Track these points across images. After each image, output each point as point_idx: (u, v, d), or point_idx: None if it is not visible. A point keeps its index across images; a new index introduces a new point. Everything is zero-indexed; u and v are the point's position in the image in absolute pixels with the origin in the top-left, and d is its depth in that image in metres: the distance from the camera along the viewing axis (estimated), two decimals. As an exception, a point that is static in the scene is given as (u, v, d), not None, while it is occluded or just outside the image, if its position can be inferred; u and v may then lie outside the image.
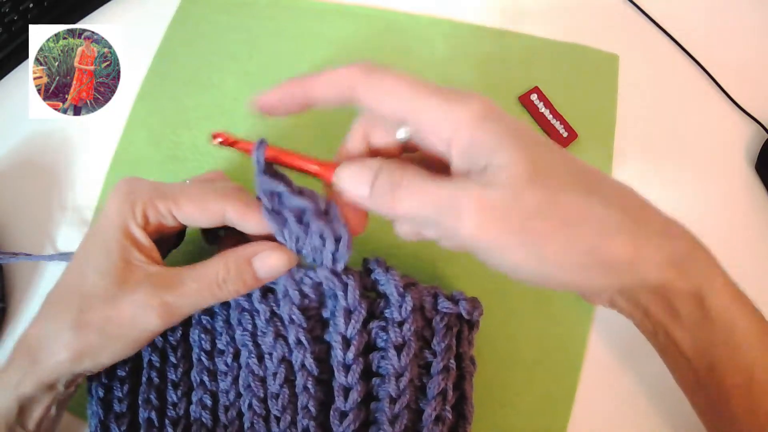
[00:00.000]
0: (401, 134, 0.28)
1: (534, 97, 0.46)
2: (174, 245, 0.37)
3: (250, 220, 0.31)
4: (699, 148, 0.47)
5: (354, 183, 0.27)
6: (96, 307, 0.29)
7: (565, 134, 0.45)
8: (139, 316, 0.29)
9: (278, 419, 0.31)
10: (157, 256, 0.31)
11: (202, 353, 0.34)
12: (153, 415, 0.33)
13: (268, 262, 0.30)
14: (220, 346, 0.34)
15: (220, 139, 0.29)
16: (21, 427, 0.30)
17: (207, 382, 0.33)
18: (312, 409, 0.31)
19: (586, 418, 0.39)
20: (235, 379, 0.33)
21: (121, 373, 0.34)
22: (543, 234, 0.24)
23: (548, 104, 0.46)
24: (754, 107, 0.47)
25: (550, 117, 0.45)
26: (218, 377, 0.34)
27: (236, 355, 0.33)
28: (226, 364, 0.33)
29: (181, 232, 0.37)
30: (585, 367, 0.40)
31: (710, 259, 0.28)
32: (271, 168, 0.29)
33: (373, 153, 0.29)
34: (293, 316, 0.31)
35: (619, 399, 0.39)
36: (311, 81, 0.28)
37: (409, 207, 0.26)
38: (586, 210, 0.25)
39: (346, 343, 0.31)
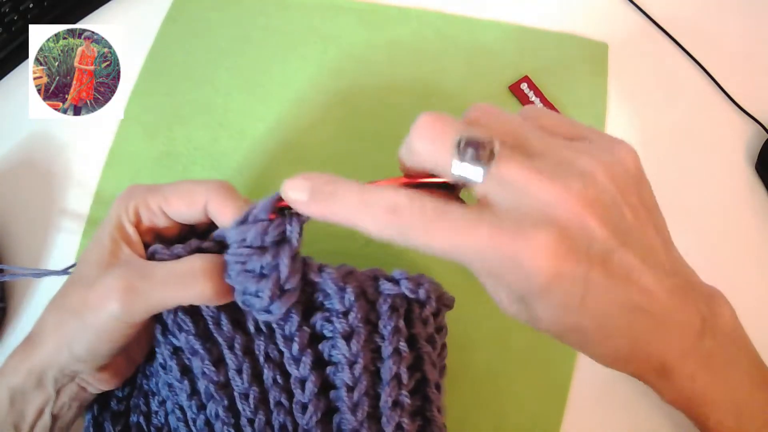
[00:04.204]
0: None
1: (524, 86, 0.47)
2: None
3: (226, 214, 0.30)
4: (698, 148, 0.47)
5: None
6: (77, 291, 0.30)
7: (556, 122, 0.46)
8: (105, 297, 0.28)
9: (252, 421, 0.30)
10: (143, 253, 0.31)
11: (159, 365, 0.32)
12: (141, 420, 0.33)
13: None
14: (160, 361, 0.32)
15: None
16: (15, 429, 0.30)
17: (170, 396, 0.32)
18: (285, 402, 0.30)
19: (583, 403, 0.39)
20: (192, 393, 0.31)
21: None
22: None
23: (538, 93, 0.46)
24: (754, 107, 0.47)
25: (540, 105, 0.46)
26: (177, 390, 0.32)
27: (184, 370, 0.31)
28: (177, 380, 0.31)
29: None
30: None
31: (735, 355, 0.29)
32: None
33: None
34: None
35: (616, 383, 0.39)
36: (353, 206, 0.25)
37: (451, 237, 0.24)
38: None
39: (288, 339, 0.30)
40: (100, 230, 0.32)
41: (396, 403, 0.30)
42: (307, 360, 0.30)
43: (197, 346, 0.30)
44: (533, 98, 0.46)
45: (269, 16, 0.50)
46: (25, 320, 0.42)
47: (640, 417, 0.39)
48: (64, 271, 0.34)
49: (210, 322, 0.31)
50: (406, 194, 0.24)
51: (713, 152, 0.46)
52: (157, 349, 0.32)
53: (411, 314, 0.32)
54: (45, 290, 0.43)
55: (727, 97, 0.47)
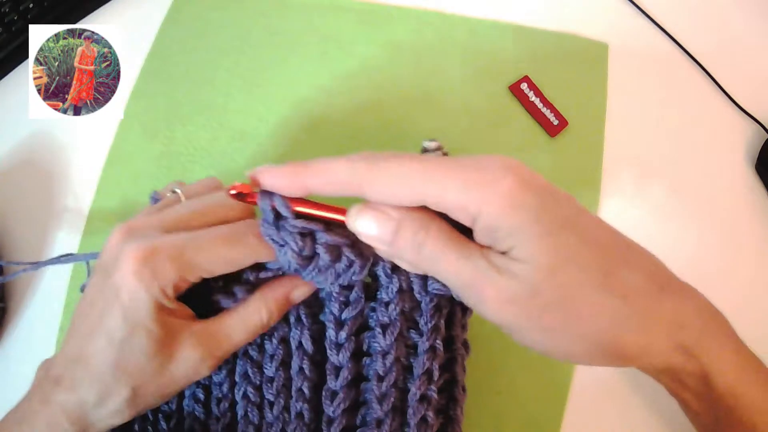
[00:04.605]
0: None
1: (524, 86, 0.47)
2: None
3: (263, 257, 0.30)
4: (698, 148, 0.47)
5: (373, 232, 0.27)
6: (151, 383, 0.29)
7: (556, 122, 0.46)
8: (193, 373, 0.30)
9: (272, 404, 0.32)
10: (190, 312, 0.30)
11: None
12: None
13: (305, 290, 0.32)
14: None
15: (234, 192, 0.28)
16: None
17: None
18: (306, 391, 0.32)
19: (583, 403, 0.39)
20: (230, 371, 0.33)
21: None
22: (558, 325, 0.26)
23: (538, 93, 0.46)
24: (754, 107, 0.47)
25: (540, 105, 0.46)
26: None
27: None
28: None
29: None
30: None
31: (721, 334, 0.29)
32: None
33: None
34: None
35: (616, 384, 0.39)
36: (310, 174, 0.26)
37: (433, 270, 0.27)
38: (600, 306, 0.26)
39: (339, 323, 0.32)
40: (130, 313, 0.28)
41: (423, 398, 0.31)
42: (348, 347, 0.31)
43: None
44: (533, 98, 0.46)
45: (269, 16, 0.50)
46: (25, 320, 0.42)
47: (640, 417, 0.39)
48: (59, 259, 0.34)
49: None
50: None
51: (713, 152, 0.46)
52: None
53: (453, 317, 0.33)
54: (45, 290, 0.43)
55: (727, 97, 0.47)
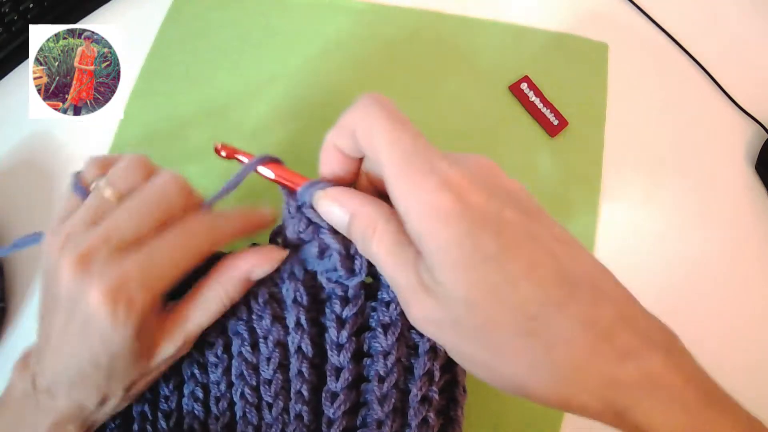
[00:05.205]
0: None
1: (524, 86, 0.47)
2: None
3: (219, 247, 0.31)
4: (698, 148, 0.47)
5: (332, 218, 0.28)
6: (138, 378, 0.30)
7: (556, 122, 0.46)
8: (171, 358, 0.31)
9: (270, 406, 0.32)
10: (158, 304, 0.30)
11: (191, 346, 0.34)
12: (146, 408, 0.34)
13: (264, 270, 0.31)
14: (209, 338, 0.34)
15: (224, 153, 0.30)
16: None
17: (197, 375, 0.34)
18: (305, 393, 0.32)
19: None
20: (226, 370, 0.33)
21: None
22: (479, 358, 0.25)
23: (538, 93, 0.47)
24: (754, 107, 0.47)
25: (540, 105, 0.46)
26: (208, 369, 0.34)
27: (226, 347, 0.34)
28: (216, 356, 0.33)
29: None
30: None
31: (669, 393, 0.23)
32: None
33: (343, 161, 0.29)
34: (298, 295, 0.32)
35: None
36: (331, 140, 0.28)
37: (378, 261, 0.26)
38: (521, 350, 0.24)
39: (341, 323, 0.32)
40: (106, 335, 0.27)
41: (425, 399, 0.31)
42: (349, 347, 0.31)
43: (242, 329, 0.33)
44: (533, 98, 0.46)
45: (269, 16, 0.50)
46: (25, 320, 0.42)
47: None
48: (33, 238, 0.32)
49: (254, 314, 0.33)
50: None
51: (713, 152, 0.46)
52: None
53: None
54: (45, 290, 0.43)
55: (727, 97, 0.47)
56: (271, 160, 0.31)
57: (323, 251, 0.30)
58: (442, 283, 0.23)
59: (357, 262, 0.30)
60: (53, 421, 0.29)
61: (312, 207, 0.29)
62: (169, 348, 0.30)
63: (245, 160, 0.32)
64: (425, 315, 0.25)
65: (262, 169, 0.31)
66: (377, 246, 0.26)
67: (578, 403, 0.24)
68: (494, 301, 0.23)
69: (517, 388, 0.25)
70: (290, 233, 0.31)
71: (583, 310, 0.23)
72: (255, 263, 0.30)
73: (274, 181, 0.31)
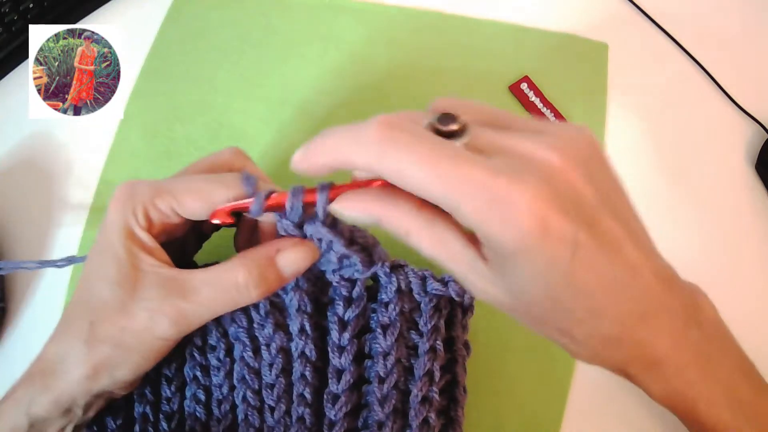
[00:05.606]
0: None
1: (524, 86, 0.47)
2: (197, 246, 0.35)
3: (240, 196, 0.29)
4: (698, 148, 0.47)
5: (357, 221, 0.26)
6: (108, 319, 0.28)
7: (556, 122, 0.46)
8: (153, 324, 0.28)
9: (272, 409, 0.32)
10: (167, 258, 0.29)
11: (194, 349, 0.34)
12: (148, 409, 0.34)
13: (294, 258, 0.29)
14: (211, 342, 0.34)
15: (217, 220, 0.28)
16: None
17: (200, 377, 0.34)
18: (308, 396, 0.32)
19: (583, 403, 0.39)
20: (228, 373, 0.33)
21: None
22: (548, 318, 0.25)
23: (538, 93, 0.47)
24: (754, 107, 0.47)
25: (540, 105, 0.46)
26: (211, 372, 0.34)
27: (228, 350, 0.34)
28: (219, 359, 0.33)
29: (200, 234, 0.35)
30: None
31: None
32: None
33: None
34: (302, 304, 0.31)
35: (617, 384, 0.39)
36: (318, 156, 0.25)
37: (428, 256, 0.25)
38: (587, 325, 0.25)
39: (343, 325, 0.32)
40: (105, 240, 0.29)
41: (425, 399, 0.31)
42: (351, 349, 0.31)
43: (243, 336, 0.32)
44: (533, 98, 0.46)
45: (269, 16, 0.50)
46: (25, 320, 0.42)
47: (640, 417, 0.39)
48: (65, 261, 0.34)
49: (255, 322, 0.32)
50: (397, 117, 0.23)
51: (713, 152, 0.46)
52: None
53: (453, 318, 0.33)
54: (45, 290, 0.43)
55: (727, 97, 0.47)
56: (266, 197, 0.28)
57: (341, 259, 0.30)
58: (512, 282, 0.24)
59: (375, 256, 0.30)
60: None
61: (318, 220, 0.28)
62: (155, 295, 0.27)
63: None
64: (487, 288, 0.25)
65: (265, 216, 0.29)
66: (422, 245, 0.24)
67: (611, 363, 0.26)
68: (559, 298, 0.24)
69: (558, 335, 0.26)
70: None
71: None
72: (282, 245, 0.29)
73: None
